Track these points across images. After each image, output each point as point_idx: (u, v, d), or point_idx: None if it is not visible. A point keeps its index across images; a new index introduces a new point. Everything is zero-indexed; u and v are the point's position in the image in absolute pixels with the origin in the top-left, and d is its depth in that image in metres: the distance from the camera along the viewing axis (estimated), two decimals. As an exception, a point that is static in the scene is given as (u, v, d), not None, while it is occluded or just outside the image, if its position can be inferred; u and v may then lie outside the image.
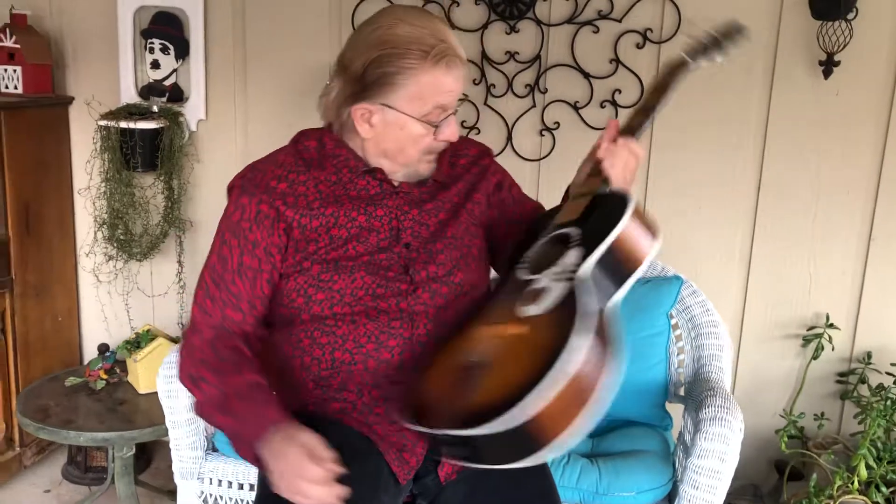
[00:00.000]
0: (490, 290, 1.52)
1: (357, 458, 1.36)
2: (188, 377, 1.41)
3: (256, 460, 1.30)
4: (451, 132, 1.42)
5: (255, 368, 1.39)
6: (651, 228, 1.33)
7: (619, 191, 1.37)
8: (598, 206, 1.35)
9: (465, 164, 1.54)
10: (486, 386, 1.24)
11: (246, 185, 1.43)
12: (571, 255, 1.30)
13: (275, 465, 1.25)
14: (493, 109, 2.37)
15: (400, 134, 1.40)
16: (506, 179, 1.60)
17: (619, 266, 1.29)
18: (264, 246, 1.39)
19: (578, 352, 1.14)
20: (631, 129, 1.43)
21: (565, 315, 1.21)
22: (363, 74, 1.35)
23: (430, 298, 1.42)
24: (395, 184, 1.46)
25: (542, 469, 1.49)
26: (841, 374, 2.32)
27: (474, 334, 1.36)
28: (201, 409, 1.41)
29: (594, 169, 1.39)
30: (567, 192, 1.50)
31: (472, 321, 1.41)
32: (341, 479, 1.25)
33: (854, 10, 2.05)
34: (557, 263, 1.31)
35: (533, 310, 1.27)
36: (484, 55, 2.33)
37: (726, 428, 1.68)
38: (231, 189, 1.47)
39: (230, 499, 1.92)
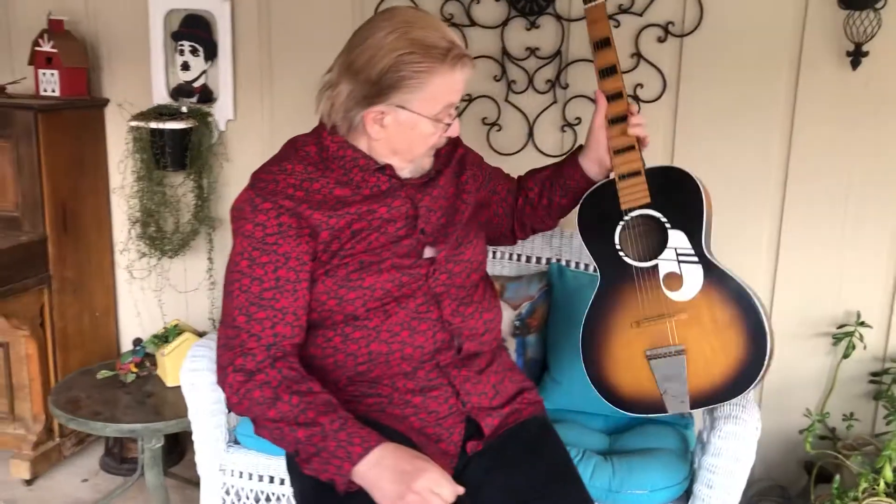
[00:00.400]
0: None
1: None
2: (252, 394, 1.36)
3: (335, 481, 1.31)
4: (454, 129, 1.48)
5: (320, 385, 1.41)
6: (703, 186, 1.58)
7: (675, 168, 1.58)
8: (664, 184, 1.54)
9: (445, 152, 1.59)
10: (693, 370, 1.50)
11: (259, 197, 1.42)
12: (677, 238, 1.51)
13: (393, 479, 1.28)
14: (514, 106, 2.36)
15: (411, 133, 1.43)
16: (479, 157, 1.69)
17: (709, 230, 1.55)
18: (295, 255, 1.40)
19: (764, 314, 1.49)
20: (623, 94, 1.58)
21: (718, 287, 1.49)
22: (380, 79, 1.37)
23: (448, 278, 1.50)
24: (403, 178, 1.51)
25: (559, 442, 1.56)
26: (874, 374, 2.26)
27: (644, 325, 1.53)
28: (272, 426, 1.36)
29: (624, 146, 1.54)
30: (565, 163, 1.67)
31: (616, 315, 1.57)
32: None
33: (883, -1, 2.00)
34: (668, 247, 1.51)
35: (686, 294, 1.50)
36: (504, 51, 2.33)
37: (741, 426, 1.65)
38: (240, 208, 1.45)
39: (252, 490, 1.96)
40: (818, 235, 2.22)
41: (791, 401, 2.33)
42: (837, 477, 1.93)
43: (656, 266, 1.53)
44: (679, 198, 1.52)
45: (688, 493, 1.79)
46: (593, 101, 2.27)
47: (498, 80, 2.35)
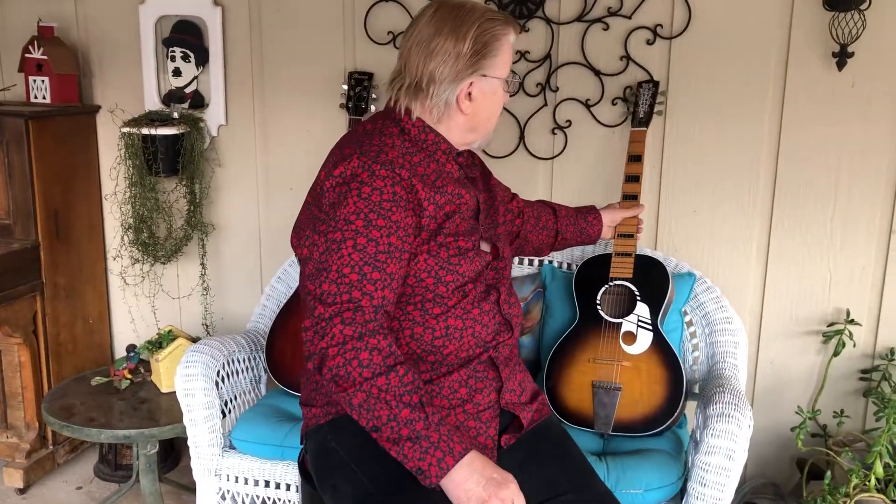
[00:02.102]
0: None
1: None
2: (360, 354, 1.33)
3: (418, 472, 1.34)
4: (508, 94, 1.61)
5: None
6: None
7: (657, 260, 2.04)
8: (645, 268, 2.02)
9: (468, 156, 1.68)
10: (622, 404, 1.92)
11: (377, 164, 1.42)
12: (642, 309, 1.98)
13: (483, 484, 1.33)
14: (505, 108, 2.33)
15: (493, 100, 1.56)
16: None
17: (667, 311, 2.02)
18: (404, 226, 1.41)
19: (685, 383, 1.94)
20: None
21: (659, 352, 1.95)
22: (471, 49, 1.47)
23: (507, 270, 1.64)
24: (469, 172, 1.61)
25: (574, 441, 1.69)
26: (864, 371, 2.28)
27: (598, 363, 1.96)
28: (367, 388, 1.33)
29: (626, 233, 2.03)
30: (589, 213, 2.01)
31: (580, 349, 1.99)
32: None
33: (867, 0, 2.02)
34: (633, 313, 1.98)
35: (635, 350, 1.96)
36: (495, 55, 2.34)
37: (734, 425, 1.66)
38: (355, 174, 1.42)
39: (247, 495, 1.97)
40: (807, 235, 2.25)
41: (783, 399, 2.35)
42: (829, 473, 1.94)
43: (621, 324, 1.99)
44: (652, 281, 2.00)
45: (682, 491, 1.80)
46: (584, 103, 2.32)
47: (489, 84, 2.36)
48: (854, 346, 2.25)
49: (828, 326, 2.27)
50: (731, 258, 2.31)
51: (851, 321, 2.23)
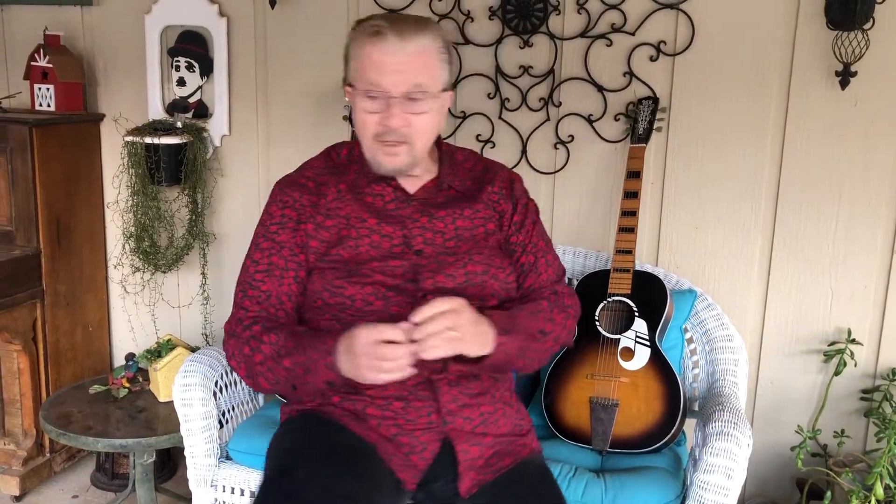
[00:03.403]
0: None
1: (357, 458, 1.44)
2: (242, 350, 1.51)
3: (328, 383, 1.43)
4: (394, 118, 1.50)
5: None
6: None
7: (656, 276, 2.02)
8: (643, 284, 2.00)
9: (497, 187, 1.63)
10: (619, 420, 1.90)
11: (280, 186, 1.59)
12: (640, 325, 1.96)
13: (349, 358, 1.35)
14: (507, 123, 2.38)
15: (356, 109, 1.52)
16: (524, 210, 1.66)
17: (665, 327, 1.99)
18: (289, 246, 1.53)
19: (683, 401, 1.92)
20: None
21: (657, 368, 1.93)
22: (343, 55, 1.59)
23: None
24: (410, 192, 1.55)
25: (557, 490, 1.58)
26: (865, 391, 2.27)
27: (596, 378, 1.94)
28: (263, 368, 1.48)
29: (623, 249, 2.02)
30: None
31: (579, 365, 1.95)
32: (337, 479, 1.37)
33: (871, 20, 2.02)
34: (631, 329, 1.95)
35: (633, 366, 1.94)
36: (498, 69, 2.35)
37: (732, 443, 1.65)
38: (270, 194, 1.61)
39: (243, 506, 1.96)
40: (808, 253, 2.24)
41: (783, 418, 2.33)
42: (829, 494, 1.93)
43: (619, 339, 1.97)
44: (651, 297, 1.99)
45: (680, 510, 1.79)
46: (587, 119, 2.32)
47: (492, 98, 2.37)
48: (855, 365, 2.23)
49: (829, 345, 2.26)
50: (732, 275, 2.31)
51: (853, 340, 2.22)
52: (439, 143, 1.63)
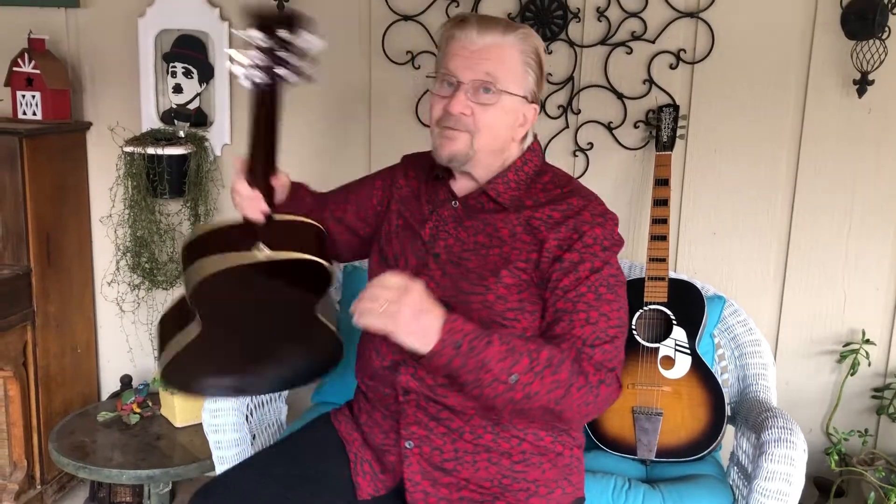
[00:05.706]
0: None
1: (320, 457, 1.52)
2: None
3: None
4: (456, 102, 1.45)
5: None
6: None
7: (693, 285, 2.02)
8: (680, 292, 2.00)
9: (559, 215, 1.44)
10: (664, 429, 1.91)
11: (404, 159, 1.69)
12: (679, 333, 1.97)
13: None
14: (526, 131, 2.35)
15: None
16: (587, 250, 1.41)
17: (703, 335, 1.99)
18: (371, 184, 1.66)
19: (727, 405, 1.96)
20: None
21: (699, 376, 1.94)
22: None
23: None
24: (458, 194, 1.52)
25: None
26: (877, 389, 2.33)
27: (637, 388, 1.94)
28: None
29: (657, 257, 2.03)
30: None
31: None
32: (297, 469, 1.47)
33: (887, 29, 2.08)
34: (671, 338, 1.96)
35: (674, 374, 1.95)
36: (517, 77, 2.32)
37: (791, 449, 1.67)
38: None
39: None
40: (824, 256, 2.29)
41: (797, 418, 2.35)
42: (872, 494, 1.97)
43: (658, 348, 1.98)
44: (688, 305, 2.00)
45: (733, 516, 1.80)
46: (606, 126, 2.32)
47: (510, 105, 2.33)
48: (869, 365, 2.30)
49: (843, 346, 2.32)
50: (749, 279, 2.34)
51: (867, 341, 2.28)
52: (533, 156, 1.54)
